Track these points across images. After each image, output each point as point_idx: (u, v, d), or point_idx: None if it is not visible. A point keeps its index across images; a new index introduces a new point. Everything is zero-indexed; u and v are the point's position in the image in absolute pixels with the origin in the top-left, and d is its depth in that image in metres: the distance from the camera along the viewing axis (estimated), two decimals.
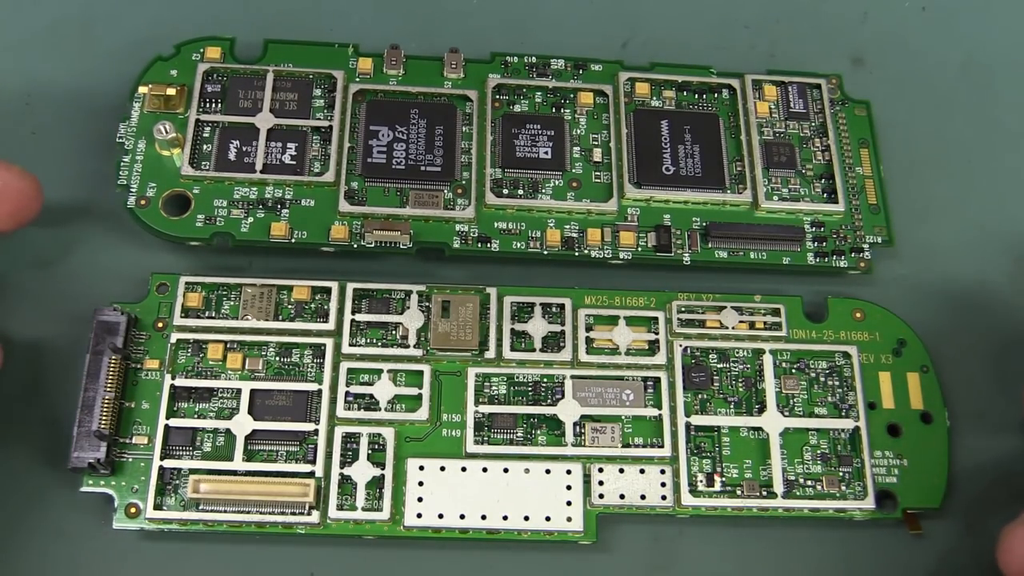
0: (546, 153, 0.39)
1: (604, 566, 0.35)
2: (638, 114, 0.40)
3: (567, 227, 0.38)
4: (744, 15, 0.45)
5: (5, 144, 0.40)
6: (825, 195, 0.40)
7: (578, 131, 0.40)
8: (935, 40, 0.45)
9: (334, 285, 0.37)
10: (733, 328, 0.37)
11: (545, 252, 0.38)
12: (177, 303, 0.36)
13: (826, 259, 0.39)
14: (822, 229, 0.39)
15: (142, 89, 0.39)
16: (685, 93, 0.41)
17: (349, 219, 0.38)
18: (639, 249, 0.38)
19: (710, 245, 0.39)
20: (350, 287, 0.37)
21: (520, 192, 0.39)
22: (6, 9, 0.43)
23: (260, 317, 0.36)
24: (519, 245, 0.38)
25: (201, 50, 0.40)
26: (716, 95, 0.41)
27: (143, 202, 0.37)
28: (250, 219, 0.37)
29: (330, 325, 0.36)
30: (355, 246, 0.37)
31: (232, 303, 0.36)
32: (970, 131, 0.43)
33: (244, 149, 0.38)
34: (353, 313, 0.36)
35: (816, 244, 0.39)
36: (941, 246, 0.41)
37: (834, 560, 0.35)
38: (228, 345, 0.36)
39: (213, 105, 0.39)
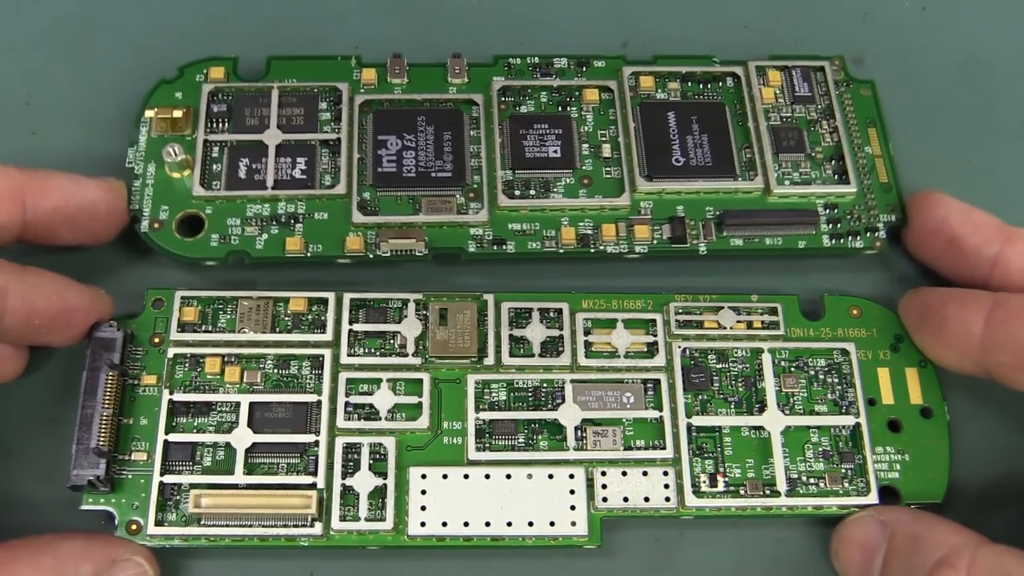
0: (555, 152, 0.39)
1: (610, 570, 0.35)
2: (644, 107, 0.41)
3: (581, 224, 0.38)
4: (744, 15, 0.45)
5: (5, 144, 0.40)
6: (836, 177, 0.40)
7: (585, 128, 0.40)
8: (935, 40, 0.45)
9: (331, 296, 0.36)
10: (731, 328, 0.37)
11: (561, 251, 0.38)
12: (173, 318, 0.36)
13: (841, 240, 0.39)
14: (835, 211, 0.39)
15: (148, 113, 0.39)
16: (689, 84, 0.41)
17: (363, 229, 0.38)
18: (655, 242, 0.38)
19: (725, 234, 0.39)
20: (347, 297, 0.36)
21: (532, 192, 0.39)
22: (6, 10, 0.43)
23: (257, 330, 0.36)
24: (534, 245, 0.38)
25: (205, 71, 0.40)
26: (720, 84, 0.41)
27: (156, 225, 0.37)
28: (264, 236, 0.37)
29: (328, 336, 0.36)
30: (371, 256, 0.37)
31: (228, 316, 0.36)
32: (970, 131, 0.43)
33: (254, 166, 0.38)
34: (351, 323, 0.36)
35: (831, 226, 0.39)
36: None
37: None
38: (226, 359, 0.36)
39: (220, 125, 0.39)
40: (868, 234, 0.39)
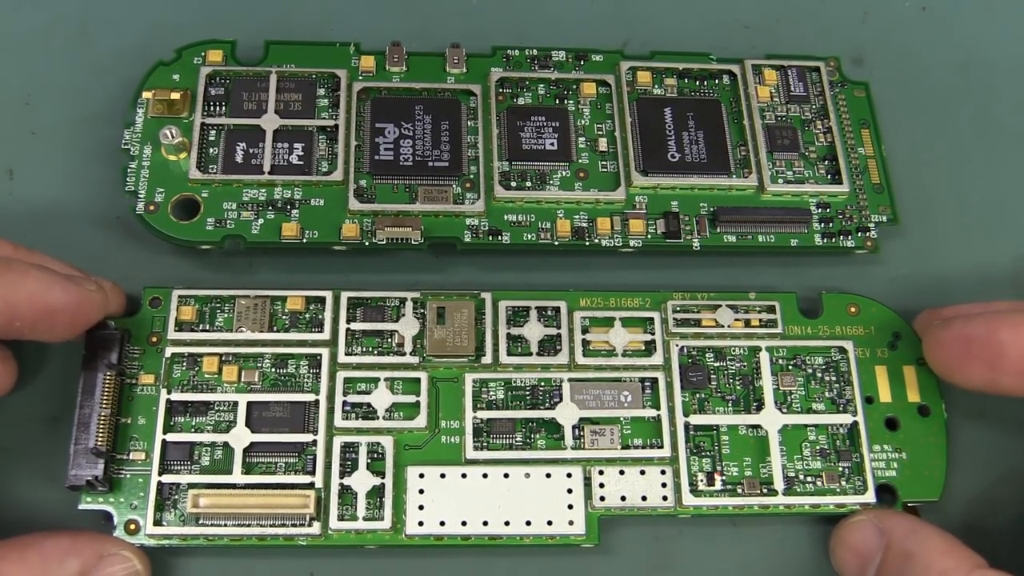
0: (552, 144, 0.39)
1: (607, 569, 0.35)
2: (641, 102, 0.41)
3: (576, 217, 0.38)
4: (744, 15, 0.45)
5: (5, 144, 0.40)
6: (829, 176, 0.40)
7: (582, 121, 0.40)
8: (935, 40, 0.45)
9: (328, 295, 0.36)
10: (729, 326, 0.37)
11: (556, 243, 0.38)
12: (171, 317, 0.36)
13: (833, 240, 0.39)
14: (827, 210, 0.39)
15: (145, 94, 0.39)
16: (686, 80, 0.42)
17: (359, 217, 0.38)
18: (648, 236, 0.38)
19: (719, 230, 0.39)
20: (344, 296, 0.36)
21: (528, 184, 0.39)
22: (6, 9, 0.43)
23: (255, 329, 0.36)
24: (530, 237, 0.38)
25: (202, 54, 0.40)
26: (717, 81, 0.42)
27: (152, 207, 0.37)
28: (260, 221, 0.37)
29: (325, 335, 0.36)
30: (367, 244, 0.37)
31: (226, 315, 0.36)
32: (970, 131, 0.43)
33: (251, 151, 0.38)
34: (348, 322, 0.36)
35: (823, 225, 0.39)
36: (940, 245, 0.41)
37: None
38: (223, 358, 0.36)
39: (217, 108, 0.39)
40: (859, 234, 0.39)
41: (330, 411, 0.35)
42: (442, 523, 0.34)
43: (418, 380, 0.36)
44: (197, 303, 0.36)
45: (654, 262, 0.39)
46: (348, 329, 0.36)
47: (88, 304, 0.33)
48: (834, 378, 0.37)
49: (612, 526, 0.35)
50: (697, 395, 0.36)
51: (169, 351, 0.35)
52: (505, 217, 0.38)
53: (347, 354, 0.36)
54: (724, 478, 0.35)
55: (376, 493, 0.34)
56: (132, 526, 0.33)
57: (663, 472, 0.35)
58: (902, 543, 0.33)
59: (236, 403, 0.35)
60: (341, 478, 0.34)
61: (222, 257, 0.39)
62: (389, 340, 0.36)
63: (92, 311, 0.33)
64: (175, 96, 0.39)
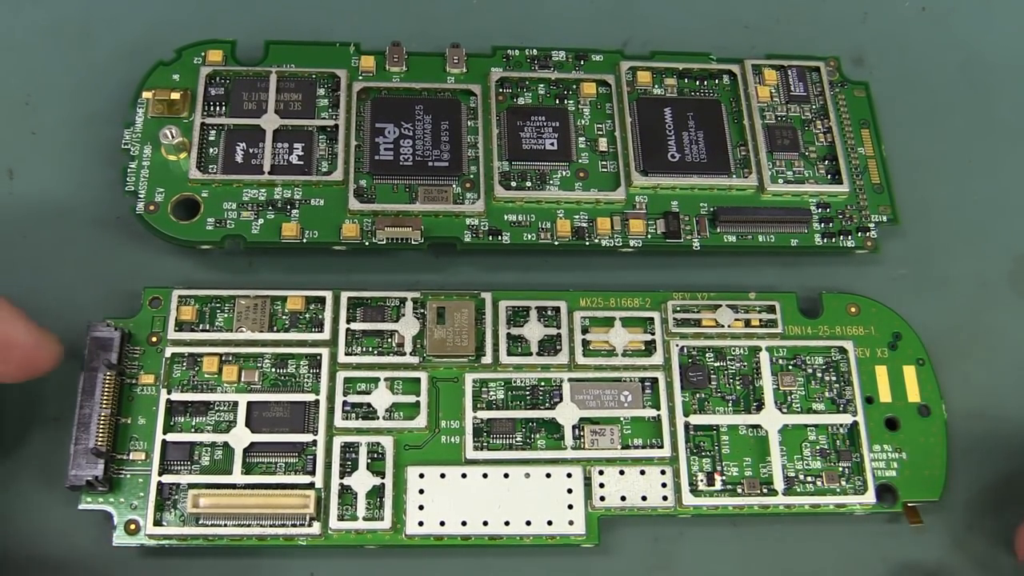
0: (552, 144, 0.39)
1: (607, 569, 0.35)
2: (641, 102, 0.41)
3: (576, 217, 0.38)
4: (744, 15, 0.45)
5: (5, 144, 0.40)
6: (829, 176, 0.40)
7: (582, 121, 0.40)
8: (935, 40, 0.45)
9: (328, 295, 0.36)
10: (729, 326, 0.37)
11: (556, 243, 0.38)
12: (170, 317, 0.36)
13: (833, 240, 0.39)
14: (828, 210, 0.39)
15: (145, 94, 0.39)
16: (686, 80, 0.42)
17: (360, 217, 0.38)
18: (648, 236, 0.38)
19: (719, 230, 0.39)
20: (344, 296, 0.36)
21: (528, 184, 0.39)
22: (6, 10, 0.43)
23: (255, 329, 0.36)
24: (530, 237, 0.38)
25: (202, 54, 0.40)
26: (717, 81, 0.42)
27: (152, 207, 0.37)
28: (260, 221, 0.37)
29: (325, 335, 0.36)
30: (367, 244, 0.37)
31: (226, 315, 0.36)
32: (970, 131, 0.43)
33: (251, 151, 0.38)
34: (348, 322, 0.36)
35: (823, 225, 0.39)
36: (940, 245, 0.41)
37: (836, 556, 0.36)
38: (223, 358, 0.36)
39: (217, 108, 0.39)
40: (859, 234, 0.39)
41: (330, 411, 0.35)
42: (442, 523, 0.34)
43: (418, 380, 0.36)
44: (197, 303, 0.36)
45: (654, 262, 0.40)
46: (348, 329, 0.36)
47: (46, 349, 0.33)
48: (834, 378, 0.37)
49: (612, 526, 0.35)
50: (697, 395, 0.36)
51: (169, 351, 0.35)
52: (505, 217, 0.38)
53: (347, 354, 0.36)
54: (724, 478, 0.35)
55: (376, 493, 0.34)
56: (132, 526, 0.33)
57: (663, 472, 0.35)
58: None
59: (236, 403, 0.35)
60: (341, 478, 0.34)
61: (222, 257, 0.39)
62: (389, 340, 0.36)
63: (47, 357, 0.33)
64: (175, 96, 0.39)
